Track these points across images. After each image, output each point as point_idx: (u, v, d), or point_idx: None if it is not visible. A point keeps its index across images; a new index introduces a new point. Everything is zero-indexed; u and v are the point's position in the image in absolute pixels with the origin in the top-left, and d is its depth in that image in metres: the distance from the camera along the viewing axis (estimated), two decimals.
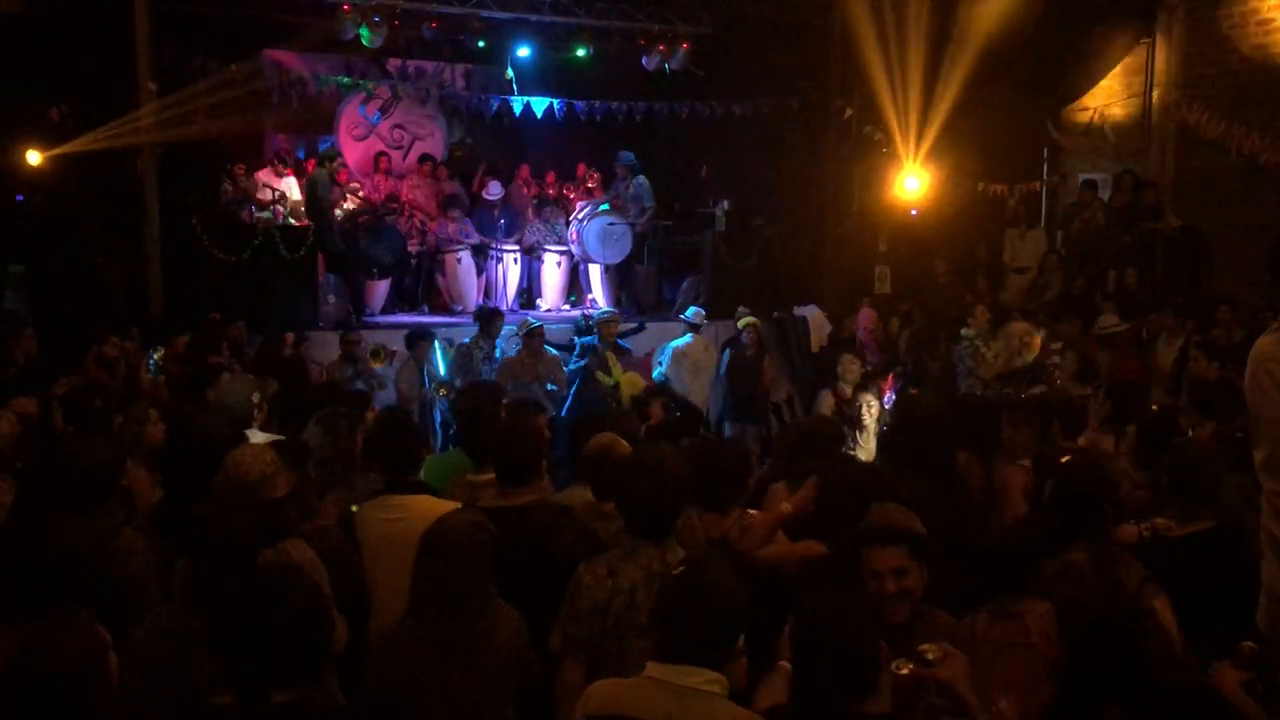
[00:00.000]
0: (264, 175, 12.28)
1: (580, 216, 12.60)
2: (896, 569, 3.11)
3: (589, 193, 13.51)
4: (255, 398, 5.23)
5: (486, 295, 12.53)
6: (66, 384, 6.19)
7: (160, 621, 3.07)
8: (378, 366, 9.15)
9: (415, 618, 3.15)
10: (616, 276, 12.99)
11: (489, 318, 9.94)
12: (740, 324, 10.21)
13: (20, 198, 10.56)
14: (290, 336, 9.20)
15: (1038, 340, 8.98)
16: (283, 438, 4.61)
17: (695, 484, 3.57)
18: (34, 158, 10.26)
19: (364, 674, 3.21)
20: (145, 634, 3.03)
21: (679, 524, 3.52)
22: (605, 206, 12.66)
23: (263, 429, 5.11)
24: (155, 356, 7.30)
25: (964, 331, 9.55)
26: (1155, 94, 12.31)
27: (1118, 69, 12.77)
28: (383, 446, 4.21)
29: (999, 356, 9.13)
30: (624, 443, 4.04)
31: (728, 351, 10.21)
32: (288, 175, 12.45)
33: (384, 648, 3.18)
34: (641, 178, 12.53)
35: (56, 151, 10.29)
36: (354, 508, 4.13)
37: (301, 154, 13.90)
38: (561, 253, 12.87)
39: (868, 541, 3.16)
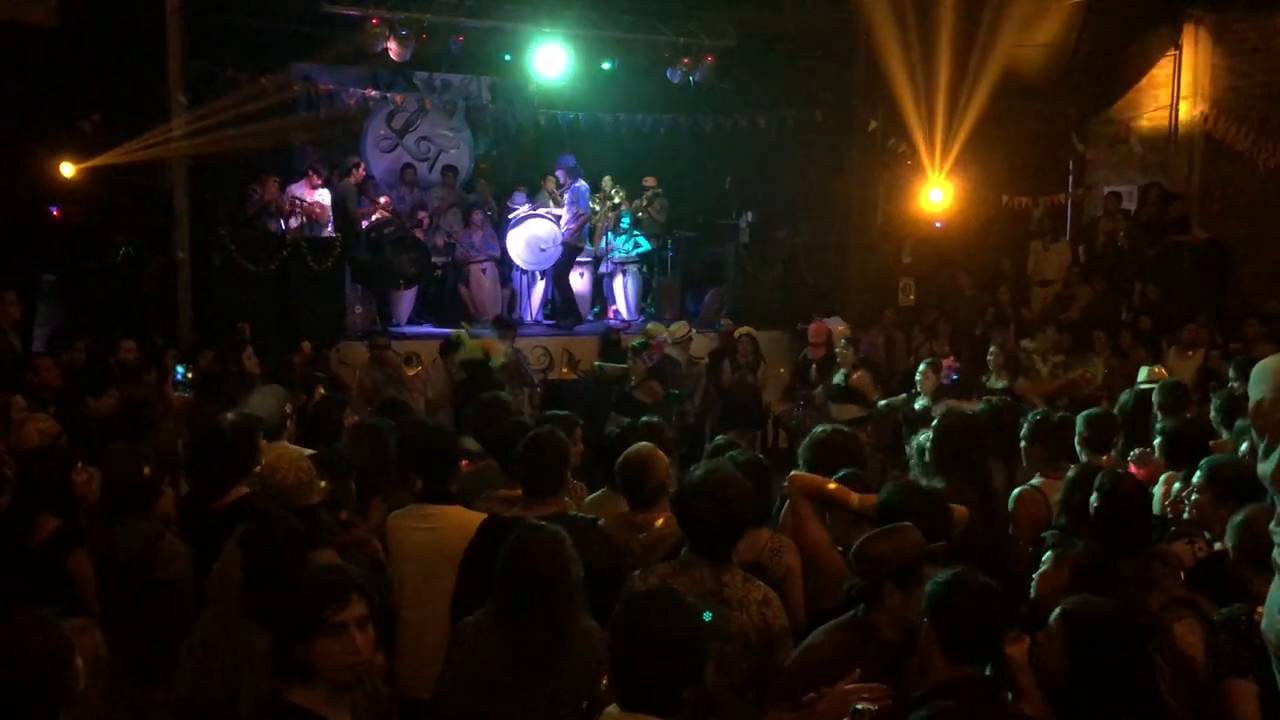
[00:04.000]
0: (297, 189, 12.38)
1: (513, 219, 12.67)
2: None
3: (614, 207, 13.54)
4: (288, 409, 5.23)
5: (511, 307, 12.59)
6: (107, 402, 6.23)
7: (203, 635, 3.11)
8: (411, 374, 9.19)
9: (496, 617, 3.11)
10: (641, 288, 13.04)
11: (504, 329, 10.03)
12: (736, 334, 10.23)
13: (53, 209, 10.69)
14: (306, 346, 9.15)
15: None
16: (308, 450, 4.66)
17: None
18: (67, 170, 10.39)
19: (444, 662, 3.19)
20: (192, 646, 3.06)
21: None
22: (627, 218, 12.80)
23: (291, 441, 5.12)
24: (186, 374, 7.23)
25: (1025, 343, 9.44)
26: (1182, 106, 12.27)
27: (1144, 81, 12.74)
28: (418, 456, 4.24)
29: (1054, 377, 8.97)
30: (661, 453, 4.04)
31: (725, 360, 10.23)
32: (320, 187, 12.54)
33: (463, 640, 3.15)
34: (580, 183, 12.33)
35: (89, 164, 10.42)
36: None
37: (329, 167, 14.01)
38: (585, 264, 12.92)
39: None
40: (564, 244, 12.30)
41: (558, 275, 12.55)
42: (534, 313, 12.78)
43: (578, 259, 12.87)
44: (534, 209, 12.68)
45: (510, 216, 12.71)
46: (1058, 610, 2.97)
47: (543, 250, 12.42)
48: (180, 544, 3.61)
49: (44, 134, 10.32)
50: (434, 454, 4.19)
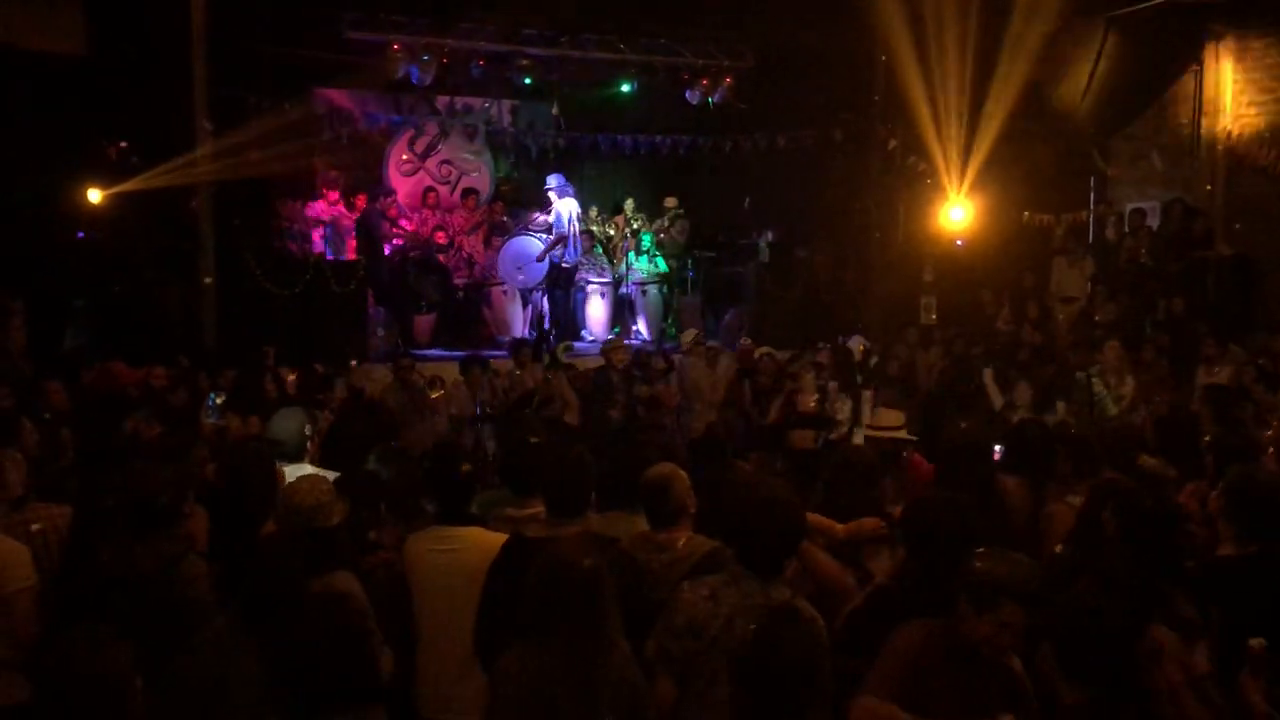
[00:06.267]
0: (316, 209, 12.52)
1: (506, 237, 12.62)
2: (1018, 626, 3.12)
3: (634, 231, 13.61)
4: (307, 430, 5.25)
5: (532, 327, 12.64)
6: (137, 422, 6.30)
7: (209, 638, 3.13)
8: (434, 396, 9.24)
9: (537, 644, 3.07)
10: (662, 308, 13.06)
11: (518, 348, 10.03)
12: (756, 354, 10.22)
13: (81, 234, 10.84)
14: (319, 368, 9.20)
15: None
16: (328, 473, 4.69)
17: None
18: (94, 195, 10.54)
19: (490, 696, 3.18)
20: (194, 650, 3.09)
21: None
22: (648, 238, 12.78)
23: (312, 463, 5.14)
24: (217, 400, 7.25)
25: (1093, 370, 9.17)
26: (1203, 122, 12.21)
27: (1165, 97, 12.70)
28: (436, 478, 4.25)
29: (1124, 400, 8.72)
30: (683, 473, 4.03)
31: (745, 381, 10.18)
32: (338, 208, 12.67)
33: (507, 670, 3.10)
34: (561, 203, 12.05)
35: (116, 189, 10.57)
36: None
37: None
38: (605, 285, 12.96)
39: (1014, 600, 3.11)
40: (542, 261, 12.09)
41: (548, 295, 12.50)
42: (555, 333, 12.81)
43: (593, 279, 12.87)
44: (525, 228, 12.67)
45: (494, 236, 12.70)
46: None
47: (519, 267, 12.25)
48: (203, 564, 3.64)
49: (72, 160, 10.48)
50: (453, 475, 4.21)
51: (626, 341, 12.12)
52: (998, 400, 8.84)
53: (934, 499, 3.79)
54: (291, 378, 8.72)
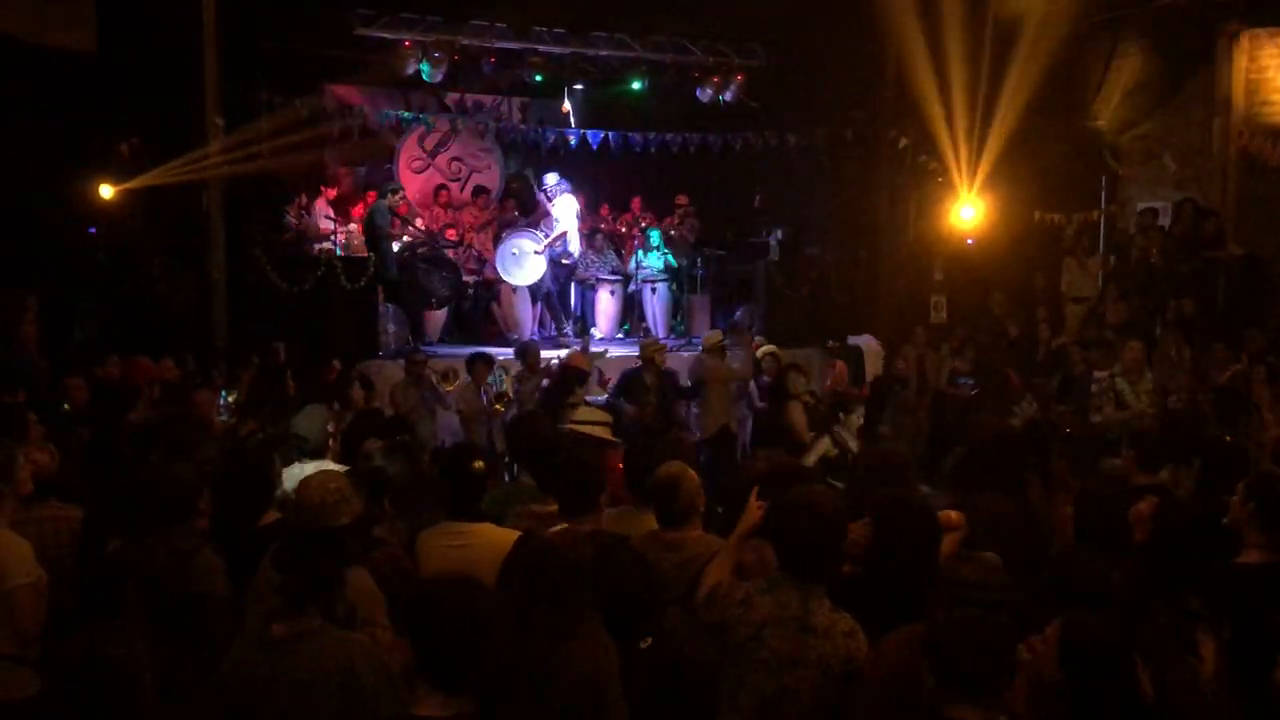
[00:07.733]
0: (323, 205, 12.53)
1: (503, 234, 12.57)
2: None
3: (643, 228, 13.60)
4: (330, 428, 5.27)
5: (541, 324, 12.64)
6: (140, 416, 6.31)
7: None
8: (448, 389, 9.25)
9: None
10: (671, 305, 13.06)
11: (525, 350, 10.02)
12: (759, 353, 10.20)
13: (92, 230, 10.87)
14: (336, 365, 9.22)
15: None
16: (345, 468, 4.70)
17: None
18: (106, 191, 10.56)
19: None
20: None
21: None
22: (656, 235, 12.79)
23: (334, 460, 5.16)
24: (229, 399, 7.24)
25: (1115, 370, 9.14)
26: (1216, 121, 12.16)
27: (1178, 96, 12.64)
28: (448, 474, 4.26)
29: (1143, 399, 8.60)
30: (692, 472, 4.02)
31: (752, 380, 10.16)
32: (335, 200, 12.69)
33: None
34: (558, 201, 12.09)
35: (127, 185, 10.59)
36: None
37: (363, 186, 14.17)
38: (614, 282, 12.95)
39: None
40: (543, 254, 12.05)
41: (545, 291, 12.45)
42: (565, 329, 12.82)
43: (603, 276, 12.87)
44: (521, 226, 12.65)
45: (502, 233, 12.69)
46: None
47: (520, 265, 12.18)
48: (217, 559, 3.65)
49: (84, 157, 10.50)
50: (464, 472, 4.21)
51: (637, 339, 12.13)
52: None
53: (891, 499, 3.74)
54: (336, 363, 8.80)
